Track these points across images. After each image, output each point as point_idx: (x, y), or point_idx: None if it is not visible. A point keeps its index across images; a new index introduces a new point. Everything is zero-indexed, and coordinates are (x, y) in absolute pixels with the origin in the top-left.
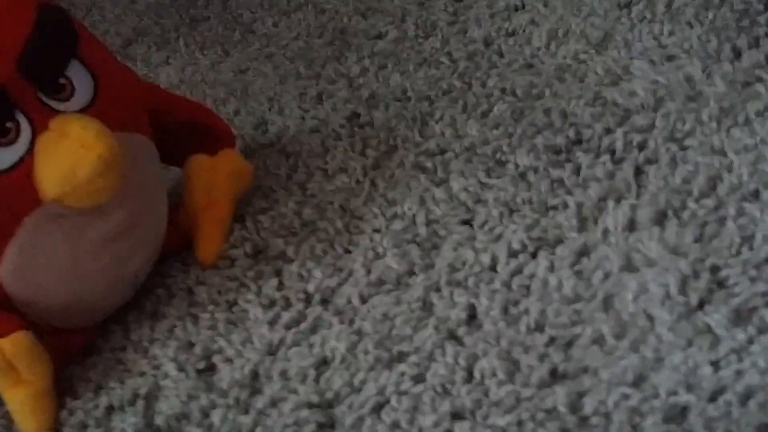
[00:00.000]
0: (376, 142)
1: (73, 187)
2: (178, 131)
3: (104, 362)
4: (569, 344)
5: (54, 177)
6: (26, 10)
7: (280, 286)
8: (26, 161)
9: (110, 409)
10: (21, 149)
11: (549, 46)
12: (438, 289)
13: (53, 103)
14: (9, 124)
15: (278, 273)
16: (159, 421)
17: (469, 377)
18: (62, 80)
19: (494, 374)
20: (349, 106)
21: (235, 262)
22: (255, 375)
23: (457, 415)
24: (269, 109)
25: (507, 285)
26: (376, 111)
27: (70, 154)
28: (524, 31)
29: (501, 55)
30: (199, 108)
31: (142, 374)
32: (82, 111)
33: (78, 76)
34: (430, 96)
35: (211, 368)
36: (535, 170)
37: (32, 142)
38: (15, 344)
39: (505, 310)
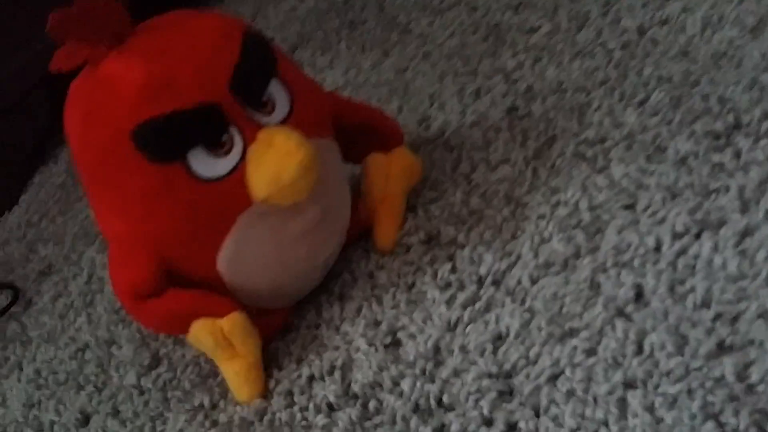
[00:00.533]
0: (536, 133)
1: (279, 188)
2: (355, 132)
3: (302, 338)
4: (735, 319)
5: (263, 180)
6: (234, 38)
7: (454, 270)
8: (239, 168)
9: (311, 379)
10: (235, 158)
11: (703, 33)
12: (605, 270)
13: (259, 118)
14: (224, 138)
15: (451, 258)
16: (355, 388)
17: (639, 350)
18: (265, 97)
19: (663, 347)
20: (508, 100)
21: (411, 249)
22: (437, 349)
23: (629, 385)
24: (430, 106)
25: (672, 265)
26: (534, 103)
27: (276, 161)
28: (678, 18)
29: (656, 43)
30: (372, 111)
31: (336, 348)
32: (282, 123)
33: (277, 93)
34: (587, 87)
35: (396, 343)
36: (696, 155)
37: (243, 152)
38: (232, 323)
39: (671, 289)
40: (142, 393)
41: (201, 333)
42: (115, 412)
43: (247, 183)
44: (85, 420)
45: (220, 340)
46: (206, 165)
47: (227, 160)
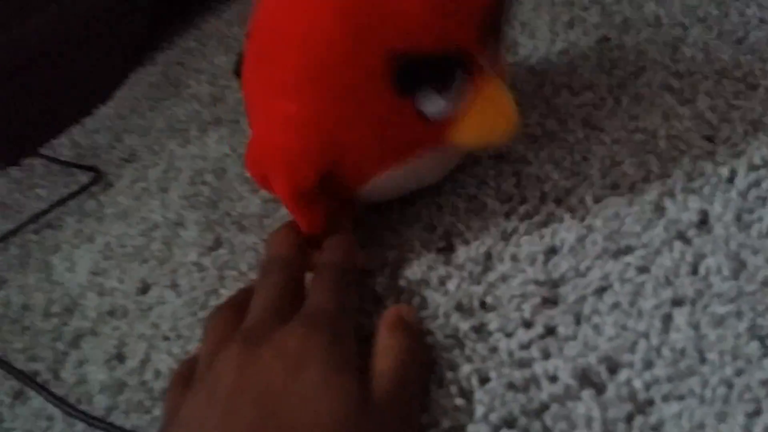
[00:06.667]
0: (625, 63)
1: (485, 140)
2: None
3: (360, 237)
4: None
5: (475, 131)
6: None
7: (518, 185)
8: (453, 111)
9: (364, 273)
10: (453, 100)
11: None
12: (672, 195)
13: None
14: (454, 82)
15: (517, 174)
16: (402, 283)
17: (694, 272)
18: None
19: (719, 271)
20: (600, 31)
21: (479, 163)
22: (488, 255)
23: (677, 302)
24: (521, 33)
25: (743, 195)
26: (627, 35)
27: (493, 118)
28: None
29: None
30: None
31: (391, 247)
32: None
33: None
34: (684, 23)
35: (449, 248)
36: None
37: (462, 100)
38: None
39: (737, 218)
40: (201, 270)
41: None
42: (174, 285)
43: (452, 127)
44: (144, 289)
45: None
46: (429, 102)
47: (446, 102)
